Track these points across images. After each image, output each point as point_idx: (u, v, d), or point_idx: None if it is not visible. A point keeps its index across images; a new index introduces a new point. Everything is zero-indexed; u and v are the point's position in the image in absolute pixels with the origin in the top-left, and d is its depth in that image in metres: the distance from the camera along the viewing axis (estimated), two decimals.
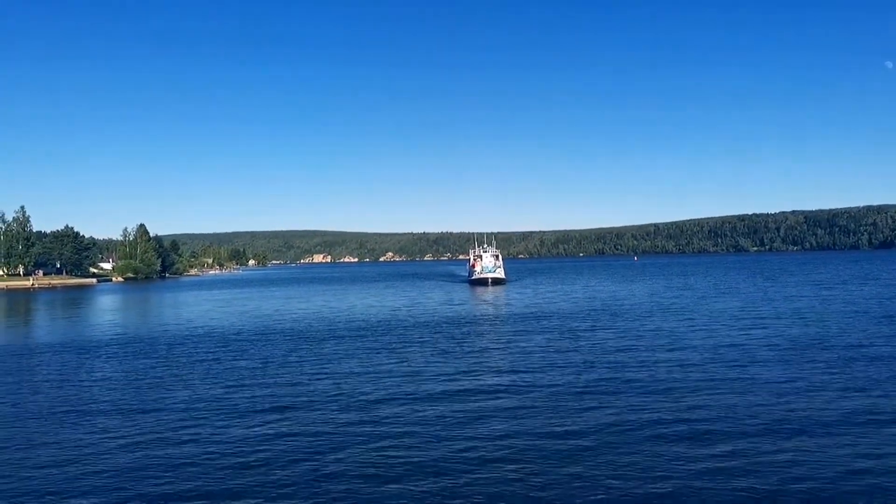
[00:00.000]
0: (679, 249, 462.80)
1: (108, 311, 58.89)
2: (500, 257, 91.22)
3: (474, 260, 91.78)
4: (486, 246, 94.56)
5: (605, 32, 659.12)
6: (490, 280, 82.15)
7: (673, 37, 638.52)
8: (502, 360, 24.76)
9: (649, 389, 18.44)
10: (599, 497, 10.76)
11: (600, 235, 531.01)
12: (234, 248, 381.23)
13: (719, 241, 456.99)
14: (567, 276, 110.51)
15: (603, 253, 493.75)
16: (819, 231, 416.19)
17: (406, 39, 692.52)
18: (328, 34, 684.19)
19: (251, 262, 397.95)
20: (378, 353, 27.03)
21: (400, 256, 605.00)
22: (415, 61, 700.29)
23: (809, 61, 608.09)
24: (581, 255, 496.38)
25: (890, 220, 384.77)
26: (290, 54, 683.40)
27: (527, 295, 62.96)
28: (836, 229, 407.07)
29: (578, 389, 18.76)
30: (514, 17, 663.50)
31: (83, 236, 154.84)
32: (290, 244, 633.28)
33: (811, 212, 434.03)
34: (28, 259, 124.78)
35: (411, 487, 11.41)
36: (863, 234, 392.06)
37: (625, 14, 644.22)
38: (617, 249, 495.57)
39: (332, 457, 13.23)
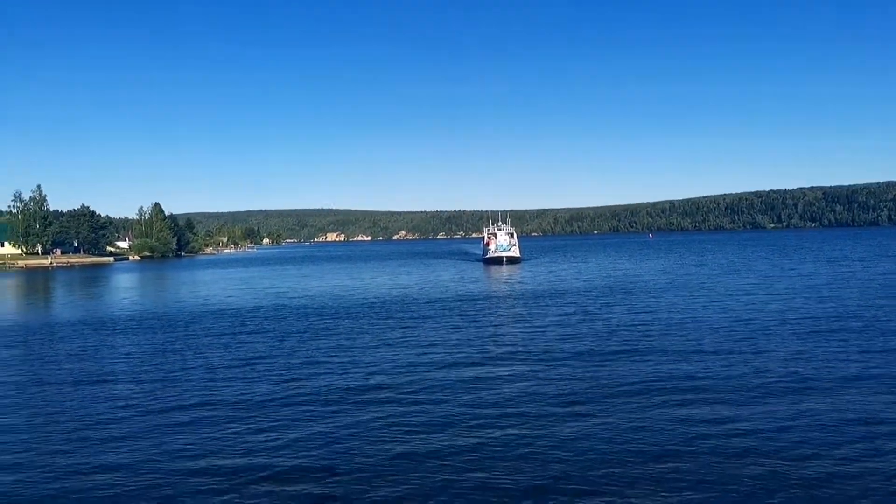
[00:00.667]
0: (695, 226, 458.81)
1: (126, 288, 59.45)
2: (515, 235, 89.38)
3: (488, 238, 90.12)
4: (500, 224, 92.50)
5: (619, 8, 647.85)
6: (504, 259, 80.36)
7: (685, 9, 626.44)
8: (519, 334, 24.64)
9: (664, 360, 18.27)
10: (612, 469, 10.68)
11: (615, 213, 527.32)
12: (248, 226, 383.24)
13: (736, 217, 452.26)
14: (582, 254, 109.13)
15: (617, 230, 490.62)
16: (838, 207, 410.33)
17: (421, 16, 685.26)
18: (340, 12, 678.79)
19: (265, 240, 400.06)
20: (392, 329, 27.04)
21: (413, 235, 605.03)
22: (427, 39, 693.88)
23: (827, 33, 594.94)
24: (595, 232, 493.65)
25: None
26: (301, 33, 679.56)
27: (543, 273, 61.78)
28: (856, 205, 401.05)
29: (597, 362, 18.62)
30: None
31: (99, 215, 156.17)
32: (303, 223, 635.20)
33: (830, 188, 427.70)
34: (46, 238, 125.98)
35: (422, 447, 11.40)
36: (882, 210, 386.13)
37: None
38: (632, 227, 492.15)
39: (348, 419, 13.46)
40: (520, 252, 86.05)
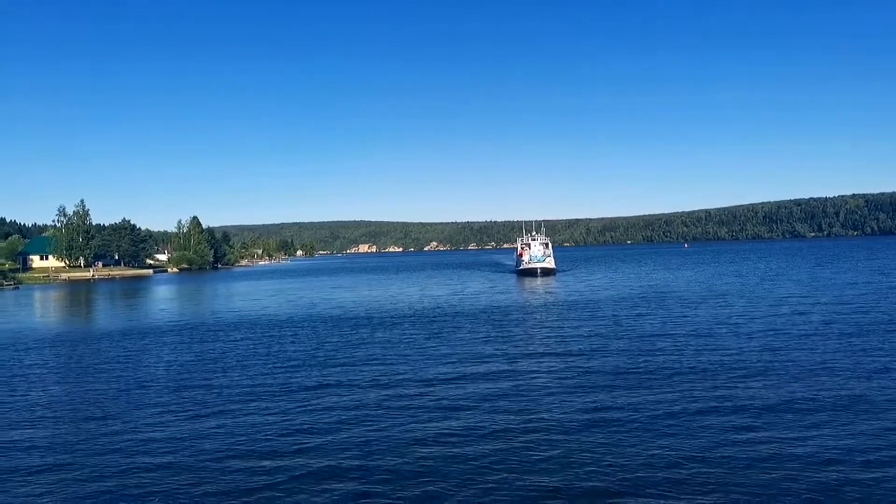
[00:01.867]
0: (732, 236, 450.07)
1: (167, 299, 60.82)
2: (550, 245, 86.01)
3: (522, 248, 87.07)
4: (534, 233, 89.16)
5: (652, 15, 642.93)
6: (539, 270, 76.88)
7: (723, 15, 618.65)
8: (556, 346, 24.53)
9: (708, 375, 18.02)
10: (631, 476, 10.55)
11: (648, 222, 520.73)
12: (282, 238, 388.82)
13: (774, 226, 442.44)
14: (620, 265, 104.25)
15: (651, 240, 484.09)
16: (881, 215, 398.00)
17: (454, 28, 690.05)
18: (371, 25, 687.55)
19: (299, 252, 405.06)
20: (427, 339, 27.17)
21: (444, 246, 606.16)
22: (460, 50, 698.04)
23: (869, 39, 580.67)
24: (629, 242, 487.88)
25: None
26: (332, 46, 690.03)
27: (580, 285, 58.32)
28: None
29: (639, 374, 18.45)
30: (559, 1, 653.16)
31: (139, 229, 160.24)
32: (336, 234, 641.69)
33: (872, 195, 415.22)
34: (88, 251, 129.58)
35: (453, 453, 11.44)
36: None
37: None
38: (666, 237, 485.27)
39: (378, 426, 13.63)
40: (555, 263, 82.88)
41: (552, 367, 20.16)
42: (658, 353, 21.71)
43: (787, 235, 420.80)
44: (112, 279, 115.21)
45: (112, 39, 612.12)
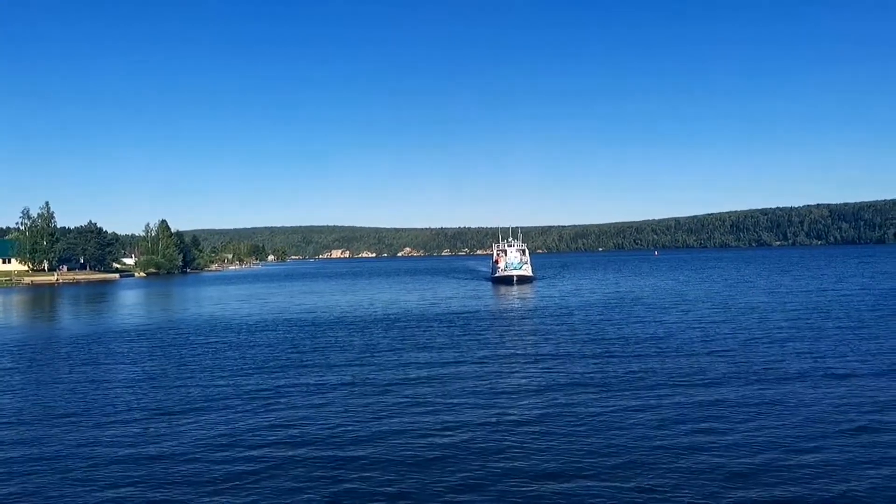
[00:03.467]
0: (700, 244, 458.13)
1: (133, 304, 59.36)
2: (528, 252, 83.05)
3: (498, 255, 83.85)
4: (510, 239, 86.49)
5: (622, 24, 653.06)
6: (515, 278, 73.86)
7: (693, 26, 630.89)
8: (538, 356, 24.37)
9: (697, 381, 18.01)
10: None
11: (620, 230, 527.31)
12: (253, 243, 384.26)
13: (741, 235, 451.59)
14: (595, 273, 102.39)
15: (622, 248, 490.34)
16: (844, 225, 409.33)
17: (423, 30, 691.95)
18: (340, 29, 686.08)
19: (270, 257, 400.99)
20: (402, 343, 26.83)
21: (418, 252, 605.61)
22: (428, 56, 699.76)
23: (833, 51, 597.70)
24: (600, 249, 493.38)
25: None
26: (302, 50, 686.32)
27: (559, 295, 54.78)
28: (862, 223, 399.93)
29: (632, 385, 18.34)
30: (531, 9, 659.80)
31: (106, 232, 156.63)
32: (308, 239, 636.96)
33: (836, 205, 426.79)
34: (52, 255, 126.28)
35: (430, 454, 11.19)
36: (889, 228, 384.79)
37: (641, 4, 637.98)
38: (636, 244, 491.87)
39: (344, 425, 13.32)
40: (532, 270, 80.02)
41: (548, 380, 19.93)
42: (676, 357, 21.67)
43: (753, 244, 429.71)
44: (77, 283, 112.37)
45: (79, 37, 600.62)
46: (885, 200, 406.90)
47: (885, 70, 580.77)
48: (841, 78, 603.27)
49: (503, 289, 66.14)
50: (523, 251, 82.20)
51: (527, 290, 63.30)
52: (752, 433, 13.33)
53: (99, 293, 79.48)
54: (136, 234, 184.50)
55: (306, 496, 10.71)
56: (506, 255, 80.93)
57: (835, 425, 13.69)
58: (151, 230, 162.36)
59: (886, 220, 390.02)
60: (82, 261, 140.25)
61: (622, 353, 23.34)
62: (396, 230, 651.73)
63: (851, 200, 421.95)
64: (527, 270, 77.26)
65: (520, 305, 46.74)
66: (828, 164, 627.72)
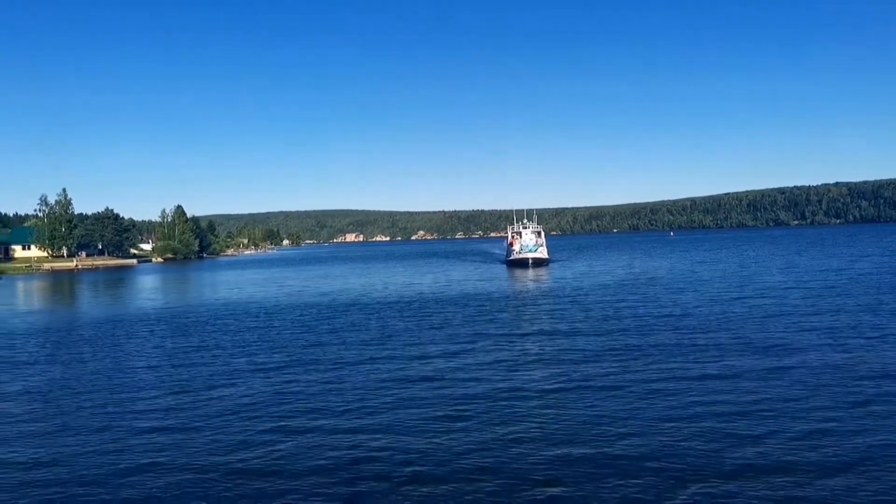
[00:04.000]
0: (716, 224, 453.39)
1: (151, 289, 60.13)
2: (543, 234, 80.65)
3: (513, 237, 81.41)
4: (525, 221, 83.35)
5: (637, 4, 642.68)
6: (531, 261, 70.76)
7: (708, 10, 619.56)
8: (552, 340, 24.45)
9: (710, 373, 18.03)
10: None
11: (634, 211, 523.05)
12: (268, 228, 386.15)
13: (758, 214, 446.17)
14: (611, 254, 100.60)
15: (637, 228, 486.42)
16: (863, 203, 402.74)
17: (436, 13, 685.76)
18: (352, 14, 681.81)
19: (285, 241, 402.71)
20: (418, 324, 27.05)
21: (431, 235, 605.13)
22: (447, 40, 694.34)
23: (853, 26, 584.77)
24: (615, 231, 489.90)
25: None
26: (317, 37, 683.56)
27: (576, 277, 52.88)
28: (882, 201, 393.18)
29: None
30: None
31: (123, 218, 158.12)
32: (322, 224, 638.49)
33: (855, 183, 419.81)
34: (71, 241, 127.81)
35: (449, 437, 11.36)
36: None
37: None
38: (652, 225, 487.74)
39: (359, 406, 13.60)
40: (548, 253, 77.34)
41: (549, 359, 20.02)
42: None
43: (770, 224, 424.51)
44: (96, 269, 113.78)
45: (95, 27, 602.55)
46: None
47: None
48: (858, 54, 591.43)
49: (518, 272, 63.94)
50: (539, 233, 79.96)
51: (542, 273, 61.61)
52: (768, 402, 13.51)
53: (118, 278, 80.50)
54: (153, 220, 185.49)
55: (323, 462, 11.12)
56: (520, 237, 78.69)
57: (853, 396, 13.70)
58: (168, 216, 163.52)
59: None
60: (100, 247, 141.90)
61: (638, 330, 23.34)
62: (410, 214, 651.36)
63: (871, 178, 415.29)
64: (542, 253, 74.68)
65: (535, 287, 46.39)
66: (846, 141, 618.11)
